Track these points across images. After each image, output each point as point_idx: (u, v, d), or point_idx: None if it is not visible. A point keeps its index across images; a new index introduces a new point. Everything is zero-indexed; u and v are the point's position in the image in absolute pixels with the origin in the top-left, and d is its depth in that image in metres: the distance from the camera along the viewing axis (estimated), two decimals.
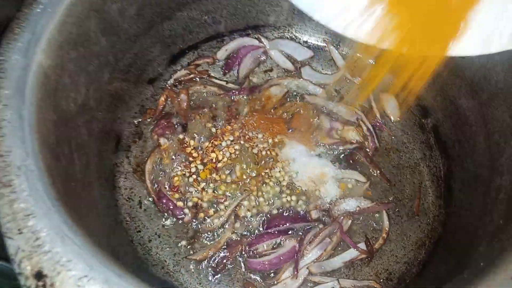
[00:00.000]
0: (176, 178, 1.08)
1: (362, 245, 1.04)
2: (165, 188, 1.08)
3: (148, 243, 1.05)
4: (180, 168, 1.10)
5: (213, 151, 1.11)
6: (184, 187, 1.08)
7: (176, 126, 1.15)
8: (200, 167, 1.10)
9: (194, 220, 1.06)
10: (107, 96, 1.04)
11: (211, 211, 1.06)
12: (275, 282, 1.01)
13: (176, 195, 1.07)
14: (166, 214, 1.07)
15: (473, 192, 1.00)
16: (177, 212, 1.06)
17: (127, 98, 1.13)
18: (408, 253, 1.06)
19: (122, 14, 0.97)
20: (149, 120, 1.16)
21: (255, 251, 1.03)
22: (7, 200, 0.62)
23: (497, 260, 0.70)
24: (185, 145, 1.13)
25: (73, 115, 0.87)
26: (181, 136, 1.13)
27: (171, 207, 1.07)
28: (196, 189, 1.08)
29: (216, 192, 1.08)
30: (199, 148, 1.13)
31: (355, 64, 1.27)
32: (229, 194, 1.08)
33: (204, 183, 1.08)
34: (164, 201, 1.07)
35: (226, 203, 1.07)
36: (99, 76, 0.98)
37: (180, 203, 1.07)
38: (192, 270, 1.03)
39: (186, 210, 1.06)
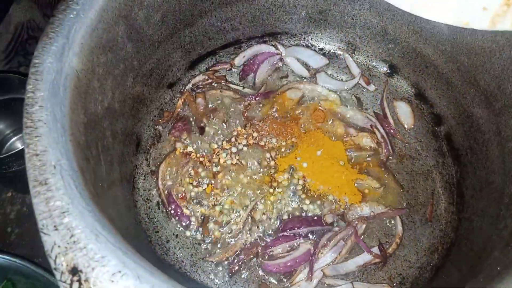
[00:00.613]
0: (187, 185, 1.11)
1: (375, 250, 1.06)
2: (175, 193, 1.11)
3: (166, 244, 1.07)
4: (191, 174, 1.13)
5: (227, 155, 1.14)
6: (196, 194, 1.11)
7: (193, 128, 1.18)
8: (215, 169, 1.13)
9: (199, 229, 1.09)
10: (130, 99, 1.07)
11: (223, 218, 1.09)
12: (290, 285, 1.03)
13: (185, 202, 1.10)
14: (173, 219, 1.10)
15: (486, 199, 1.02)
16: (184, 220, 1.09)
17: (148, 101, 1.16)
18: (421, 258, 1.08)
19: (148, 21, 1.00)
20: (166, 123, 1.19)
21: (270, 254, 1.05)
22: (43, 198, 0.65)
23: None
24: (198, 151, 1.16)
25: (100, 117, 0.90)
26: (198, 140, 1.16)
27: (179, 213, 1.09)
28: (207, 197, 1.11)
29: (230, 198, 1.10)
30: (213, 151, 1.15)
31: (370, 71, 1.30)
32: (243, 198, 1.10)
33: (217, 190, 1.11)
34: (173, 206, 1.10)
35: (240, 208, 1.09)
36: (124, 80, 1.01)
37: (187, 211, 1.09)
38: (209, 271, 1.05)
39: (193, 219, 1.09)
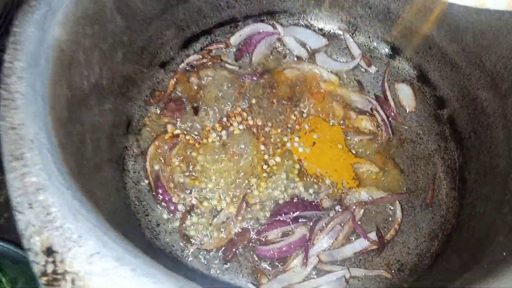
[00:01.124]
0: (175, 169, 1.07)
1: (373, 235, 1.02)
2: (164, 176, 1.06)
3: (156, 227, 1.04)
4: (180, 158, 1.09)
5: (217, 136, 1.10)
6: (184, 180, 1.07)
7: (186, 109, 1.14)
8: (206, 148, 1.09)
9: (188, 216, 1.04)
10: (120, 77, 1.02)
11: (213, 204, 1.05)
12: (285, 270, 0.99)
13: (173, 187, 1.06)
14: (159, 205, 1.06)
15: (489, 184, 0.98)
16: (170, 207, 1.05)
17: (139, 81, 1.12)
18: (421, 244, 1.04)
19: None
20: (157, 103, 1.14)
21: (264, 239, 1.02)
22: (19, 174, 0.61)
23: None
24: (192, 132, 1.12)
25: (86, 93, 0.86)
26: (190, 121, 1.12)
27: (166, 199, 1.05)
28: (196, 183, 1.07)
29: (221, 184, 1.07)
30: (205, 132, 1.11)
31: (371, 53, 1.25)
32: (235, 184, 1.06)
33: (206, 176, 1.07)
34: (161, 191, 1.05)
35: (231, 194, 1.05)
36: (112, 56, 0.97)
37: (175, 197, 1.05)
38: (201, 256, 1.02)
39: (180, 206, 1.05)
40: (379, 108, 1.16)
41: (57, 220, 0.59)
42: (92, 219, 0.60)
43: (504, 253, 0.71)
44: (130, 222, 1.01)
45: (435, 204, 1.08)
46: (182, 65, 1.20)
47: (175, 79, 1.16)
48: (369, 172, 1.09)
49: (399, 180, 1.10)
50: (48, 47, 0.72)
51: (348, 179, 1.08)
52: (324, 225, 1.01)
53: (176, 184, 1.06)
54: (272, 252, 1.00)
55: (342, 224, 1.01)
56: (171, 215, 1.04)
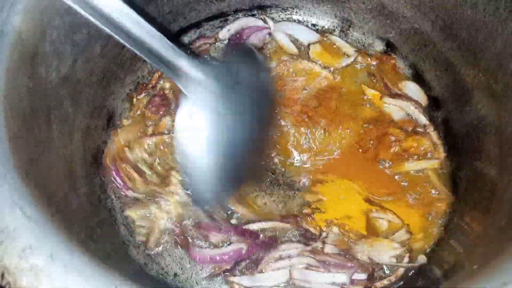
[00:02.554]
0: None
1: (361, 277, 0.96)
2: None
3: (132, 224, 1.02)
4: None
5: None
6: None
7: (171, 105, 1.11)
8: None
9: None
10: (99, 70, 1.00)
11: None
12: None
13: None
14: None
15: (478, 191, 0.92)
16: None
17: (121, 74, 1.10)
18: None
19: None
20: (142, 96, 1.12)
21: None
22: None
23: (492, 263, 0.63)
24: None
25: (54, 85, 0.84)
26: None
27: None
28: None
29: None
30: None
31: (366, 50, 1.20)
32: None
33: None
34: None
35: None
36: (89, 48, 0.95)
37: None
38: (176, 254, 0.99)
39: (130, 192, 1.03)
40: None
41: None
42: (30, 212, 0.58)
43: (474, 266, 0.65)
44: (104, 219, 0.99)
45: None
46: None
47: (160, 72, 1.14)
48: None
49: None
50: (5, 36, 0.70)
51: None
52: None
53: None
54: (203, 257, 0.98)
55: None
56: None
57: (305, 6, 1.22)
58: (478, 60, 0.96)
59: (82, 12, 0.65)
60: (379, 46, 1.19)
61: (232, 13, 1.22)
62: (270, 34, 1.21)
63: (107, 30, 0.68)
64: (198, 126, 0.82)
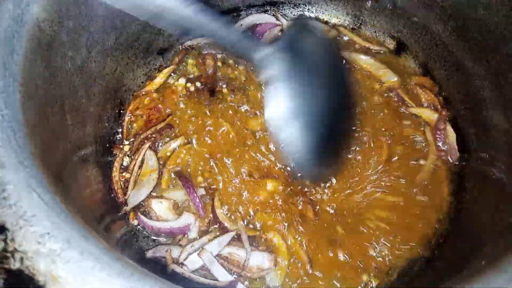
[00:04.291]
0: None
1: None
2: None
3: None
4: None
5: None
6: None
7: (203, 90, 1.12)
8: None
9: None
10: (112, 62, 1.02)
11: None
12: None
13: None
14: None
15: (486, 190, 0.92)
16: None
17: (134, 66, 1.11)
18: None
19: None
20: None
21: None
22: None
23: (499, 260, 0.64)
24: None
25: (69, 75, 0.85)
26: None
27: None
28: None
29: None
30: None
31: None
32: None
33: None
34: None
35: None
36: (103, 39, 0.96)
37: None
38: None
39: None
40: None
41: (12, 198, 0.58)
42: (47, 199, 0.59)
43: (483, 262, 0.66)
44: (114, 209, 1.00)
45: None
46: (186, 44, 1.19)
47: (180, 57, 1.16)
48: None
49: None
50: (24, 25, 0.71)
51: None
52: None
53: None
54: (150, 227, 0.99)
55: None
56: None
57: (317, 3, 1.22)
58: (488, 61, 0.96)
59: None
60: (390, 45, 1.20)
61: (245, 8, 1.22)
62: (282, 30, 1.21)
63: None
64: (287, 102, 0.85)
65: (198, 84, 1.13)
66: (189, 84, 1.13)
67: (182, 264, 0.95)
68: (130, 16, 0.97)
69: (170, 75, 1.15)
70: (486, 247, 0.76)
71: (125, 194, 1.01)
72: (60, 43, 0.80)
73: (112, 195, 1.01)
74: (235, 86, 1.12)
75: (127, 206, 1.00)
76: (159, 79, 1.13)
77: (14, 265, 0.55)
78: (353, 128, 1.06)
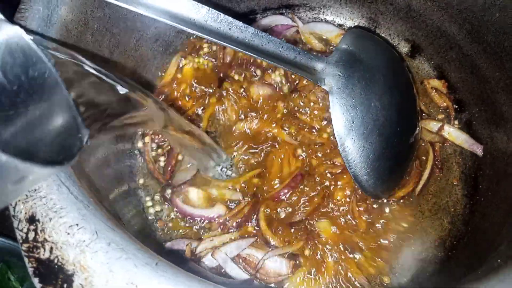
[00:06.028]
0: None
1: None
2: None
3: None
4: None
5: None
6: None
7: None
8: None
9: None
10: (132, 63, 1.04)
11: None
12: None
13: None
14: None
15: (501, 192, 0.93)
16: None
17: (153, 68, 1.13)
18: (426, 250, 1.00)
19: None
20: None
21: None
22: None
23: None
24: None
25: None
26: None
27: None
28: None
29: None
30: None
31: None
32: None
33: None
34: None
35: None
36: (125, 41, 0.98)
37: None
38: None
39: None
40: None
41: (42, 190, 0.60)
42: (75, 191, 0.61)
43: (499, 260, 0.67)
44: (133, 204, 1.03)
45: (445, 211, 1.03)
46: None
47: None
48: None
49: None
50: (52, 26, 0.74)
51: None
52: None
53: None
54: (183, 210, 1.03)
55: None
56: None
57: (332, 6, 1.24)
58: (503, 63, 0.96)
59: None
60: (404, 48, 1.21)
61: (261, 11, 1.24)
62: (297, 31, 1.23)
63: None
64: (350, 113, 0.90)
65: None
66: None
67: (199, 261, 0.97)
68: (149, 17, 1.01)
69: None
70: (501, 247, 0.77)
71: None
72: (85, 43, 0.83)
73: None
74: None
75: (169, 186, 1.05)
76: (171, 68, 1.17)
77: (44, 254, 0.57)
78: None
